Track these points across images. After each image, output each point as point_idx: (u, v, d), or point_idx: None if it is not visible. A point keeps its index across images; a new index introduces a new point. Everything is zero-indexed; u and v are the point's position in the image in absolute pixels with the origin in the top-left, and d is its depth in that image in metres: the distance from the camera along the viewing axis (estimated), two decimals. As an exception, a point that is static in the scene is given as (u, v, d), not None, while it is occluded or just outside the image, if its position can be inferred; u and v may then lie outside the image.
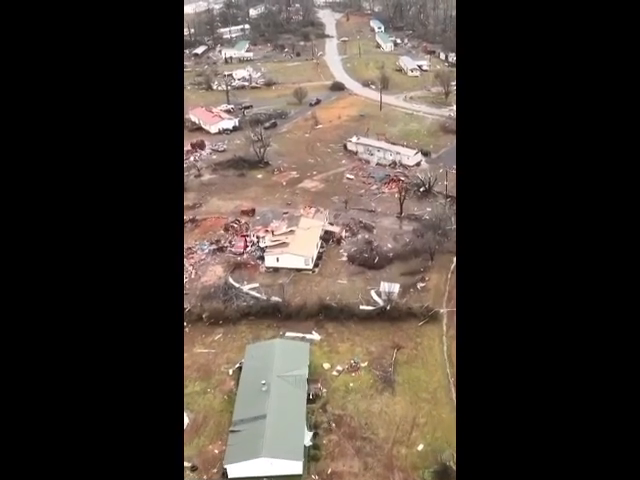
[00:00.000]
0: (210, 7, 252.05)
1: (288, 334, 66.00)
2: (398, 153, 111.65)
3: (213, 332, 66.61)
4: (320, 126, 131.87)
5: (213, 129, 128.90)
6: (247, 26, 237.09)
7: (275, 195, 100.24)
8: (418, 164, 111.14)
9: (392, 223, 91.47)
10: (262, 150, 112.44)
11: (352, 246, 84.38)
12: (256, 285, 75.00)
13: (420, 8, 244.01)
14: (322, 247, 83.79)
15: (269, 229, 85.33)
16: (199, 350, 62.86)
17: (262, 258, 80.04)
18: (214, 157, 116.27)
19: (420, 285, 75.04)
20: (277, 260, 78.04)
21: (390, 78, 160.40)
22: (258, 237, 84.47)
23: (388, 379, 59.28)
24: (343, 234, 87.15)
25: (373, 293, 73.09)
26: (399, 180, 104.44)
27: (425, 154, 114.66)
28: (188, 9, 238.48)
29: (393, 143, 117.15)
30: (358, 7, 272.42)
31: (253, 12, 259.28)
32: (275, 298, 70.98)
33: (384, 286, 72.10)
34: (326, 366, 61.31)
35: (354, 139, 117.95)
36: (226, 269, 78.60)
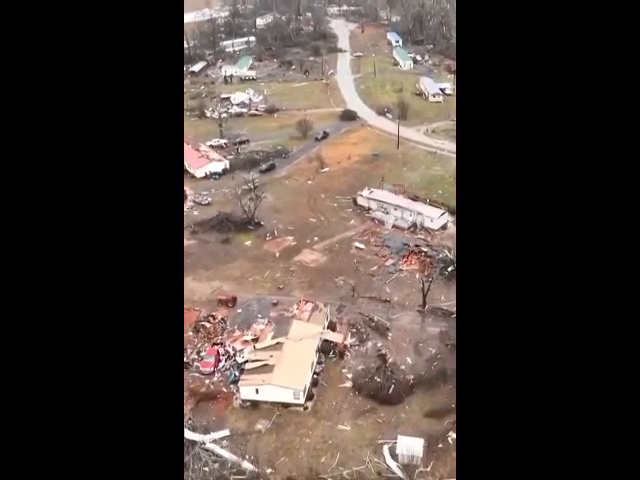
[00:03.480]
0: (213, 16, 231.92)
1: (262, 534, 45.61)
2: (420, 213, 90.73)
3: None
4: (326, 169, 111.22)
5: (199, 173, 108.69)
6: (252, 38, 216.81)
7: (264, 273, 79.69)
8: (444, 227, 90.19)
9: (412, 321, 70.60)
10: (254, 205, 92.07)
11: (359, 362, 63.63)
12: (225, 434, 54.50)
13: (442, 19, 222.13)
14: (320, 362, 63.21)
15: (249, 338, 64.74)
16: None
17: (237, 382, 59.58)
18: (195, 213, 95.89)
19: (451, 437, 54.15)
20: (257, 392, 57.55)
21: (409, 104, 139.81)
22: (235, 349, 63.97)
23: None
24: (348, 340, 66.47)
25: (386, 452, 52.37)
26: (420, 252, 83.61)
27: (453, 212, 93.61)
28: (188, 18, 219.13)
29: (413, 198, 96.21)
30: (374, 17, 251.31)
31: (260, 22, 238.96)
32: (248, 465, 50.43)
33: (402, 445, 51.47)
34: None
35: (365, 192, 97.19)
36: (187, 402, 58.17)
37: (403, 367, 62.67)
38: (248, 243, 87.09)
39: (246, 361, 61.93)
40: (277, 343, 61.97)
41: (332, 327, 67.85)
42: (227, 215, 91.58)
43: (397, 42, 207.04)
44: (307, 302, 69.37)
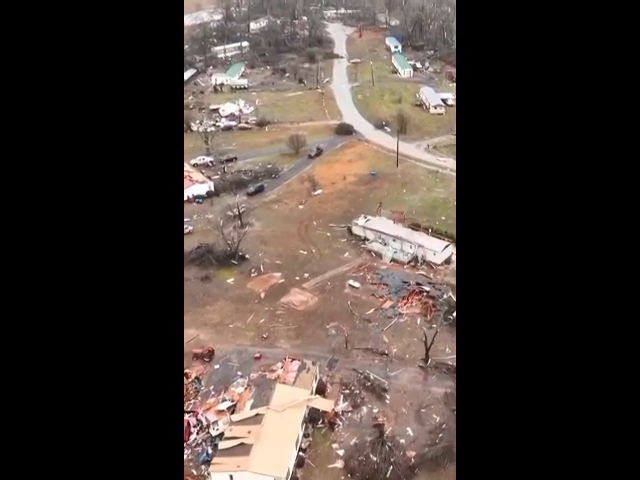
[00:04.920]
0: (205, 20, 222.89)
1: None
2: (421, 246, 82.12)
3: None
4: (319, 192, 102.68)
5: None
6: (245, 43, 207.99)
7: (247, 318, 71.04)
8: (448, 261, 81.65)
9: (414, 379, 62.00)
10: (238, 236, 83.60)
11: (352, 433, 55.01)
12: (191, 535, 46.01)
13: (443, 23, 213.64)
14: (306, 435, 54.65)
15: (225, 407, 56.04)
16: None
17: (210, 462, 50.97)
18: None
19: (461, 538, 45.47)
20: (231, 478, 48.95)
21: (409, 117, 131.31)
22: (208, 420, 55.31)
23: None
24: (340, 405, 57.88)
25: None
26: (422, 292, 75.04)
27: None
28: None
29: (413, 226, 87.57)
30: (372, 20, 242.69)
31: (254, 26, 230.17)
32: None
33: None
34: None
35: (361, 220, 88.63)
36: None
37: (403, 441, 54.09)
38: (230, 281, 78.41)
39: (221, 434, 53.41)
40: (257, 415, 53.32)
41: (322, 388, 59.31)
42: (209, 247, 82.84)
43: (396, 47, 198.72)
44: (293, 360, 60.70)
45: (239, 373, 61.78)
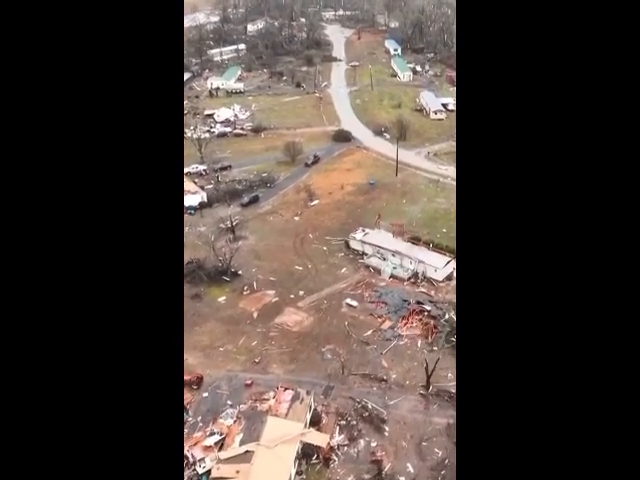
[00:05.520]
0: (202, 22, 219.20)
1: None
2: (421, 262, 78.57)
3: None
4: (315, 202, 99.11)
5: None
6: (242, 46, 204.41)
7: (239, 340, 67.44)
8: (449, 277, 78.10)
9: (414, 408, 58.44)
10: (231, 251, 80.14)
11: (348, 470, 51.45)
12: None
13: (443, 25, 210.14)
14: (299, 472, 51.12)
15: (212, 443, 52.40)
16: None
17: (196, 504, 47.56)
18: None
19: None
20: (217, 524, 45.51)
21: (408, 122, 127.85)
22: (194, 457, 51.73)
23: None
24: (336, 438, 54.31)
25: None
26: (422, 312, 71.48)
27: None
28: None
29: (414, 240, 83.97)
30: (371, 22, 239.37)
31: (251, 28, 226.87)
32: None
33: None
34: None
35: (359, 234, 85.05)
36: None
37: (402, 479, 50.58)
38: (222, 299, 74.76)
39: (208, 472, 49.89)
40: (246, 452, 49.77)
41: (316, 419, 55.75)
42: (200, 263, 79.25)
43: (395, 50, 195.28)
44: (286, 389, 57.11)
45: (229, 402, 58.15)
